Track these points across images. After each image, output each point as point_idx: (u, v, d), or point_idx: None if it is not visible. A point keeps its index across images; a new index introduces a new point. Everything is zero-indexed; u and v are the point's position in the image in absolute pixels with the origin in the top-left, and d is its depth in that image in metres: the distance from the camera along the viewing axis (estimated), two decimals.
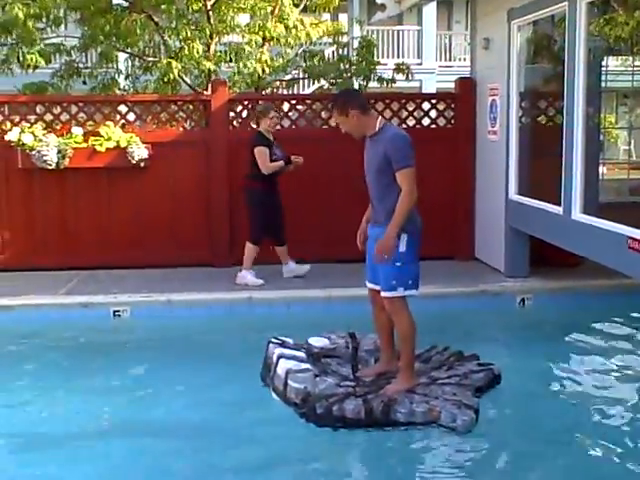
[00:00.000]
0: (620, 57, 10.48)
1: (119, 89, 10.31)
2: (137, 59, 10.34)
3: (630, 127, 14.23)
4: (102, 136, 8.11)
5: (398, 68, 10.37)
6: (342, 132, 4.97)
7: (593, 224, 6.08)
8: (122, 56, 10.48)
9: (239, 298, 7.18)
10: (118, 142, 8.10)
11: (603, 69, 7.72)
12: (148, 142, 8.23)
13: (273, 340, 5.55)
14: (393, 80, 10.22)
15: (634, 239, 5.39)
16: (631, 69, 9.80)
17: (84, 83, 10.19)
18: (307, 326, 6.39)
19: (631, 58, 10.01)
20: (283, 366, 5.09)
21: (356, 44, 10.70)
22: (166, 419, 4.89)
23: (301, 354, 5.31)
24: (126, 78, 10.41)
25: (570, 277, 7.51)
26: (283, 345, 5.46)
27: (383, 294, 4.80)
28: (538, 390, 5.27)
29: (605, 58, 8.13)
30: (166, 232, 8.45)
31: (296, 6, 10.14)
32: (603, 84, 7.80)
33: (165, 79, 9.40)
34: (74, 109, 8.50)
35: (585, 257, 6.80)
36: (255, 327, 6.63)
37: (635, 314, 6.85)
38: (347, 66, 10.21)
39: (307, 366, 5.12)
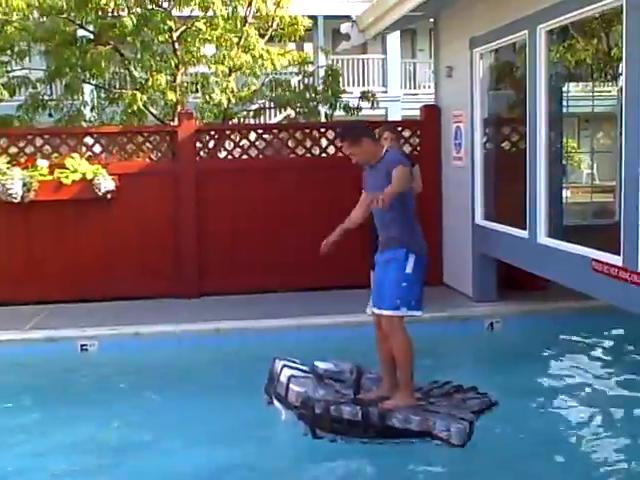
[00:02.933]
0: (580, 83, 10.70)
1: (85, 121, 10.28)
2: (103, 90, 10.33)
3: (592, 151, 14.49)
4: (68, 168, 8.05)
5: (364, 96, 10.47)
6: (352, 161, 5.10)
7: (558, 247, 6.15)
8: (88, 88, 10.48)
9: (207, 329, 7.14)
10: (84, 174, 8.05)
11: (564, 95, 7.86)
12: (115, 174, 8.19)
13: (279, 357, 5.63)
14: (359, 108, 10.32)
15: (598, 261, 5.46)
16: (591, 95, 10.01)
17: (50, 115, 10.14)
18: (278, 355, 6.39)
19: (591, 84, 10.23)
20: (286, 373, 5.23)
21: (322, 73, 10.80)
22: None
23: (305, 368, 5.42)
24: (92, 110, 10.39)
25: (537, 300, 7.58)
26: (290, 361, 5.56)
27: (385, 312, 4.91)
28: (510, 410, 5.28)
29: (566, 84, 8.29)
30: (134, 264, 8.39)
31: (262, 36, 10.23)
32: (565, 109, 7.94)
33: (131, 110, 9.40)
34: (39, 141, 8.45)
35: (552, 280, 6.87)
36: (225, 358, 6.59)
37: (600, 335, 6.94)
38: (313, 95, 10.29)
39: (309, 375, 5.25)
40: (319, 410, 4.74)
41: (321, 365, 5.54)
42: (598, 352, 6.62)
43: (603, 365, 6.33)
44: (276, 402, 5.16)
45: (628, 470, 4.58)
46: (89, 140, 8.60)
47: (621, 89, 5.32)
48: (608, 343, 6.84)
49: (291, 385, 5.08)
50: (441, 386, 5.44)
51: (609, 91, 11.34)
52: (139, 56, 9.42)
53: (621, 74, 5.37)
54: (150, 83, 9.24)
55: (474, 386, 5.37)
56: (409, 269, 4.87)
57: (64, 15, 9.54)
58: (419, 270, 4.92)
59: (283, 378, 5.20)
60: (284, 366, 5.39)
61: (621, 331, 6.85)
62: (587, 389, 5.84)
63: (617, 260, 5.21)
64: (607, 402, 5.58)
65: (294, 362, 5.55)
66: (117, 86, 10.37)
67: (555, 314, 7.31)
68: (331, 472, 4.64)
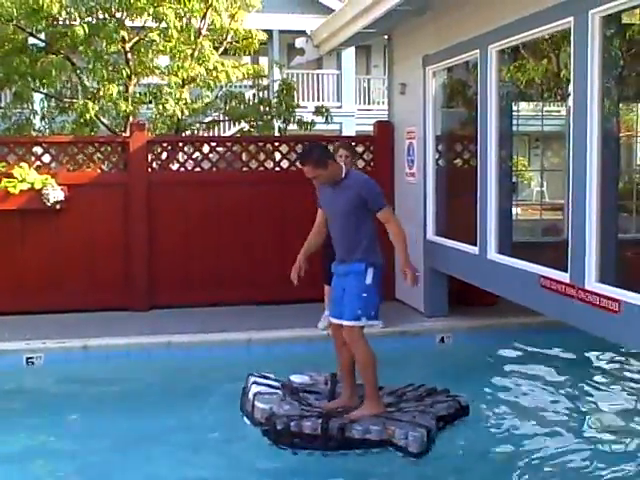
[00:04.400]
0: (531, 102, 10.90)
1: (34, 130, 10.11)
2: (53, 100, 10.18)
3: (542, 169, 14.76)
4: (16, 178, 7.89)
5: (318, 111, 10.50)
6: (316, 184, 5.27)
7: (507, 263, 6.23)
8: (38, 96, 10.30)
9: (158, 342, 7.04)
10: (33, 184, 7.89)
11: (515, 114, 7.99)
12: (64, 184, 8.05)
13: (254, 374, 5.77)
14: (313, 123, 10.34)
15: (546, 277, 5.54)
16: (541, 114, 10.20)
17: None
18: (227, 370, 6.34)
19: (541, 103, 10.43)
20: (254, 390, 5.43)
21: (277, 87, 10.81)
22: None
23: (276, 384, 5.56)
24: (42, 119, 10.22)
25: (488, 315, 7.66)
26: (263, 377, 5.70)
27: (346, 323, 5.04)
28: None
29: (516, 103, 8.43)
30: (83, 276, 8.25)
31: (216, 49, 10.20)
32: (515, 128, 8.07)
33: (82, 120, 9.28)
34: None
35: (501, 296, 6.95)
36: (175, 372, 6.53)
37: (548, 349, 7.04)
38: (267, 108, 10.29)
39: (275, 390, 5.42)
40: (280, 426, 4.87)
41: (296, 379, 5.73)
42: (545, 366, 6.71)
43: (549, 378, 6.43)
44: (245, 419, 5.31)
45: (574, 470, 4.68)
46: (38, 149, 8.44)
47: (569, 109, 5.42)
48: (555, 357, 6.93)
49: (256, 402, 5.26)
50: (416, 389, 5.64)
51: (558, 111, 11.59)
52: (91, 66, 9.29)
53: (569, 94, 5.48)
54: (102, 93, 9.13)
55: (446, 389, 5.57)
56: (369, 280, 5.06)
57: (14, 22, 9.39)
58: (377, 281, 5.11)
59: (250, 395, 5.40)
60: (254, 382, 5.57)
61: (568, 346, 6.96)
62: (532, 400, 5.92)
63: (564, 277, 5.29)
64: (550, 413, 5.66)
65: (267, 377, 5.71)
66: (68, 95, 10.22)
67: (504, 329, 7.40)
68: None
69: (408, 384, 5.70)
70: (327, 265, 7.18)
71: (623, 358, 6.73)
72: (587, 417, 5.62)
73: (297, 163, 8.77)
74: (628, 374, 6.54)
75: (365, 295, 5.02)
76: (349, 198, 5.06)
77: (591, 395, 6.06)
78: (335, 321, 5.21)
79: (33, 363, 6.70)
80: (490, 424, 5.50)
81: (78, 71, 9.72)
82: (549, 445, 5.06)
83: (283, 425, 4.87)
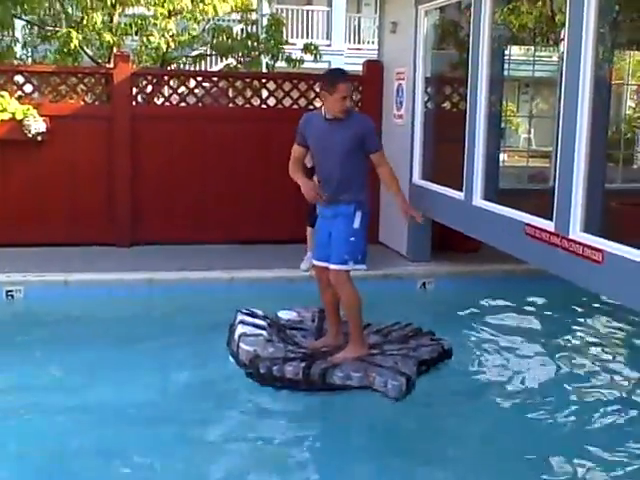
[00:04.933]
0: (523, 47, 10.76)
1: (16, 58, 9.86)
2: (36, 27, 9.90)
3: (530, 115, 14.66)
4: None
5: (306, 48, 10.31)
6: (344, 107, 4.99)
7: (493, 210, 6.20)
8: (19, 24, 10.02)
9: (139, 279, 7.01)
10: (14, 114, 7.72)
11: (506, 58, 7.88)
12: (46, 115, 7.89)
13: (242, 310, 5.79)
14: (301, 60, 10.15)
15: (531, 226, 5.52)
16: (532, 59, 10.08)
17: None
18: (209, 310, 6.33)
19: (533, 48, 10.29)
20: (239, 331, 5.43)
21: (265, 22, 10.56)
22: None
23: (262, 322, 5.59)
24: (23, 47, 9.95)
25: (470, 262, 7.67)
26: (250, 315, 5.72)
27: (333, 267, 5.03)
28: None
29: (508, 47, 8.30)
30: (65, 209, 8.15)
31: None
32: (506, 73, 7.96)
33: (65, 50, 9.05)
34: None
35: (485, 242, 6.95)
36: (156, 309, 6.52)
37: (529, 297, 7.08)
38: (255, 44, 10.07)
39: (260, 332, 5.43)
40: (263, 370, 4.90)
41: (284, 315, 5.83)
42: (525, 314, 6.75)
43: (528, 326, 6.48)
44: (231, 358, 5.34)
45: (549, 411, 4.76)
46: (20, 79, 8.24)
47: (562, 54, 5.32)
48: (535, 306, 6.97)
49: (241, 344, 5.27)
50: (402, 328, 5.71)
51: (550, 56, 11.45)
52: None
53: (562, 39, 5.37)
54: (85, 22, 8.89)
55: (431, 331, 5.65)
56: (356, 224, 5.03)
57: None
58: (364, 225, 5.09)
59: (236, 336, 5.41)
60: (240, 322, 5.58)
61: (550, 295, 6.99)
62: (511, 347, 5.95)
63: (549, 225, 5.27)
64: (528, 358, 5.73)
65: (254, 315, 5.74)
66: (51, 24, 9.94)
67: (486, 276, 7.41)
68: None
69: (395, 322, 5.78)
70: (311, 206, 7.14)
71: (605, 308, 6.76)
72: (564, 363, 5.66)
73: (283, 101, 8.66)
74: (608, 325, 6.59)
75: (353, 239, 5.00)
76: (349, 137, 4.95)
77: (569, 343, 6.11)
78: (320, 264, 5.19)
79: (12, 297, 6.65)
80: (470, 368, 5.54)
81: None
82: (520, 386, 5.18)
83: (266, 369, 4.90)
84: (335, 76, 5.06)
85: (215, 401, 4.81)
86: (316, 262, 5.27)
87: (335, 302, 5.24)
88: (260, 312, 5.81)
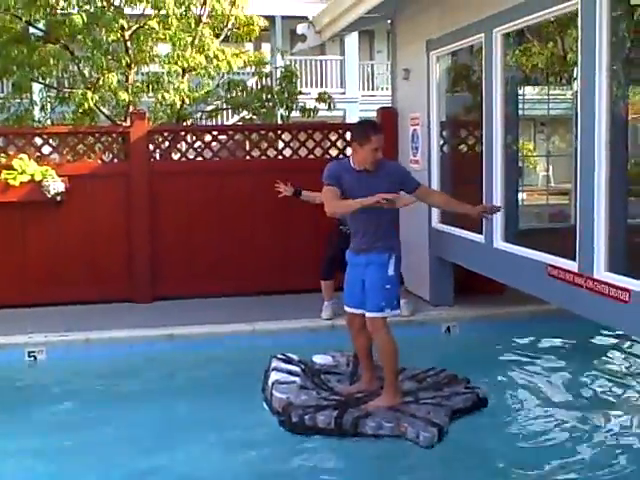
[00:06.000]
0: (536, 86, 10.76)
1: (34, 121, 10.01)
2: (52, 90, 10.06)
3: (548, 154, 14.61)
4: (16, 169, 7.80)
5: (320, 97, 10.37)
6: (376, 159, 5.02)
7: (514, 252, 6.12)
8: (37, 87, 10.19)
9: (160, 335, 6.96)
10: (33, 175, 7.80)
11: (520, 98, 7.86)
12: (65, 175, 7.96)
13: (277, 355, 5.88)
14: (316, 110, 10.21)
15: (553, 266, 5.43)
16: (547, 98, 10.06)
17: None
18: (234, 362, 6.27)
19: (546, 87, 10.29)
20: (273, 378, 5.48)
21: (279, 74, 10.66)
22: None
23: (296, 368, 5.65)
24: (41, 109, 10.11)
25: (494, 305, 7.55)
26: (285, 361, 5.79)
27: (370, 315, 5.04)
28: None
29: (522, 87, 8.29)
30: (85, 267, 8.17)
31: (217, 36, 10.06)
32: (521, 112, 7.93)
33: (82, 110, 9.17)
34: None
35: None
36: (178, 365, 6.46)
37: (555, 338, 6.95)
38: (269, 96, 10.15)
39: (294, 378, 5.46)
40: (295, 419, 4.91)
41: (318, 360, 5.85)
42: (551, 355, 6.62)
43: (555, 367, 6.33)
44: (265, 405, 5.36)
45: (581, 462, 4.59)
46: (38, 140, 8.35)
47: (576, 93, 5.30)
48: (562, 347, 6.84)
49: (274, 392, 5.30)
50: (437, 374, 5.66)
51: (564, 94, 11.44)
52: (90, 55, 9.16)
53: (576, 78, 5.35)
54: (101, 82, 9.01)
55: (466, 378, 5.56)
56: (391, 271, 5.04)
57: (12, 11, 9.27)
58: (397, 271, 5.11)
59: (269, 383, 5.45)
60: (274, 369, 5.61)
61: (575, 335, 6.85)
62: (539, 390, 5.83)
63: (573, 266, 5.17)
64: (558, 402, 5.58)
65: (289, 361, 5.78)
66: (67, 85, 10.09)
67: (511, 318, 7.31)
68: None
69: (429, 368, 5.74)
70: (328, 259, 7.12)
71: (632, 346, 6.62)
72: (597, 406, 5.51)
73: (299, 152, 8.69)
74: (637, 362, 6.44)
75: (388, 287, 5.02)
76: (386, 188, 4.85)
77: (599, 384, 5.95)
78: (352, 310, 5.21)
79: (35, 357, 6.63)
80: (505, 416, 5.38)
81: (77, 60, 9.59)
82: (563, 436, 4.98)
83: (298, 418, 4.90)
84: (366, 128, 5.07)
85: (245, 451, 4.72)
86: (348, 309, 5.27)
87: (368, 347, 5.26)
88: (295, 357, 5.85)
